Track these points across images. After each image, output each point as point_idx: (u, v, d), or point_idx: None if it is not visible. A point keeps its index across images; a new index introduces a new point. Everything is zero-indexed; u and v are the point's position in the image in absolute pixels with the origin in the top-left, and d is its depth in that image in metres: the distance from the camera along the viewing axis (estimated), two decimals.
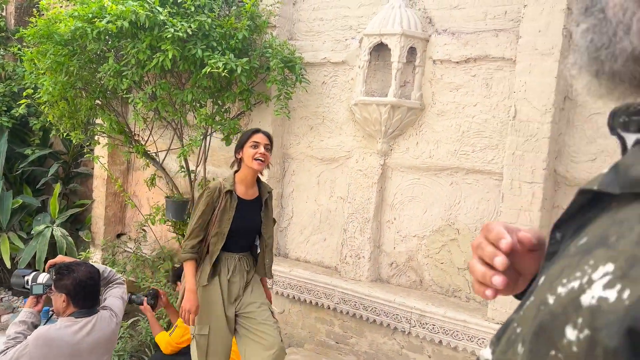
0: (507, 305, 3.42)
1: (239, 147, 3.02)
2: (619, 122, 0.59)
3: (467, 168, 3.83)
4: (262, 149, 2.93)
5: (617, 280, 0.44)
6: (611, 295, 0.44)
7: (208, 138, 4.53)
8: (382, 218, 4.24)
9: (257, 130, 3.04)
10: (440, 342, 3.65)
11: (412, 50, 3.88)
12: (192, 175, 4.80)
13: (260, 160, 2.92)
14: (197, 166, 4.73)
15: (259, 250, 3.16)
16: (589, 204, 0.57)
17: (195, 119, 4.21)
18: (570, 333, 0.46)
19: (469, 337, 3.52)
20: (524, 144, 3.37)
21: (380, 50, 4.00)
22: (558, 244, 0.61)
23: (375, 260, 4.26)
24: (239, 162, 3.04)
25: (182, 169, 4.74)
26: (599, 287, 0.45)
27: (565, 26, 3.24)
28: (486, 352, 0.66)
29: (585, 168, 3.41)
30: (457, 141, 3.85)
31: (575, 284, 0.48)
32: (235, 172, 3.07)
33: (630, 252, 0.45)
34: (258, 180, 3.14)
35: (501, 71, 3.67)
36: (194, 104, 4.18)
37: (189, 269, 2.92)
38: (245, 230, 3.06)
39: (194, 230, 2.93)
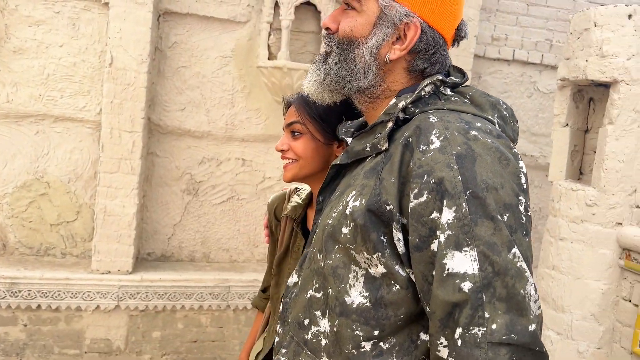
0: (111, 254, 3.44)
1: None
2: (342, 132, 1.12)
3: (55, 115, 3.49)
4: (279, 142, 1.38)
5: (357, 196, 0.88)
6: (357, 203, 0.87)
7: None
8: None
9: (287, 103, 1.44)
10: (39, 306, 3.34)
11: None
12: None
13: (285, 162, 1.37)
14: None
15: None
16: (335, 176, 1.01)
17: None
18: (344, 230, 0.88)
19: (72, 293, 3.37)
20: (122, 93, 3.35)
21: None
22: (321, 203, 1.04)
23: None
24: None
25: None
26: (351, 202, 0.88)
27: None
28: (293, 278, 1.03)
29: (176, 117, 3.70)
30: (42, 85, 3.44)
31: (340, 207, 0.91)
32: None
33: (360, 183, 0.89)
34: None
35: (89, 12, 3.45)
36: None
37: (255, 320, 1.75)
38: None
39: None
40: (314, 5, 3.64)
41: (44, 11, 3.39)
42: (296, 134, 1.32)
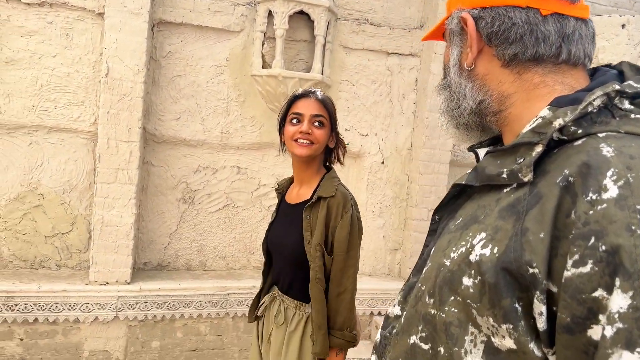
0: (109, 265, 3.42)
1: (280, 125, 1.91)
2: (478, 146, 0.92)
3: (49, 126, 3.47)
4: (306, 125, 1.78)
5: (488, 242, 0.68)
6: (486, 252, 0.67)
7: None
8: None
9: (299, 95, 1.85)
10: (36, 319, 3.30)
11: None
12: None
13: (303, 142, 1.78)
14: None
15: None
16: (458, 194, 0.84)
17: None
18: (467, 281, 0.68)
19: (70, 305, 3.34)
20: (118, 103, 3.34)
21: None
22: (437, 223, 0.87)
23: None
24: (284, 146, 1.94)
25: None
26: (479, 248, 0.68)
27: None
28: (395, 310, 0.87)
29: (171, 126, 3.71)
30: (36, 95, 3.41)
31: (463, 249, 0.71)
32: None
33: (493, 224, 0.69)
34: (324, 178, 1.87)
35: (83, 22, 3.44)
36: None
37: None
38: (278, 251, 1.91)
39: None
40: (307, 14, 3.70)
41: (37, 21, 3.37)
42: (318, 124, 1.77)
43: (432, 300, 0.75)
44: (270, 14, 3.69)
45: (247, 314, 3.66)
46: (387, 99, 4.11)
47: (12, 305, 3.25)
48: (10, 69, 3.36)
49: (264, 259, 2.00)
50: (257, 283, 3.65)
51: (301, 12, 3.69)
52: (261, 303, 1.96)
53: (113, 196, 3.39)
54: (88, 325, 3.38)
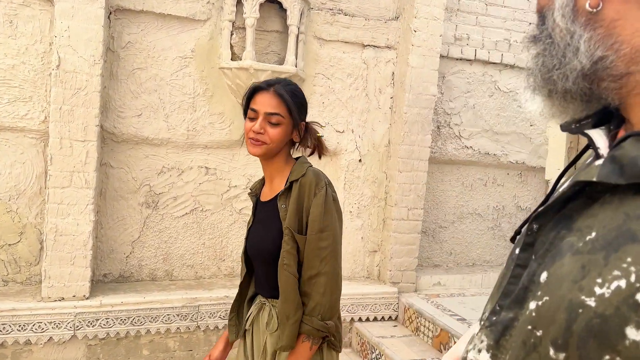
0: (64, 279, 3.08)
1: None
2: (579, 125, 0.64)
3: None
4: (258, 124, 1.60)
5: None
6: None
7: None
8: None
9: (258, 88, 1.65)
10: None
11: None
12: None
13: (254, 141, 1.62)
14: None
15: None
16: (573, 195, 0.59)
17: None
18: (634, 334, 0.46)
19: (20, 326, 2.97)
20: (72, 98, 3.00)
21: None
22: (535, 234, 0.62)
23: None
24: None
25: None
26: None
27: None
28: (482, 358, 0.62)
29: (131, 123, 3.38)
30: None
31: (621, 283, 0.48)
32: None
33: None
34: (295, 165, 1.71)
35: (29, 8, 3.08)
36: None
37: None
38: (259, 255, 1.70)
39: None
40: (278, 3, 3.46)
41: None
42: (274, 123, 1.59)
43: (562, 356, 0.51)
44: (239, 1, 3.42)
45: (219, 327, 3.39)
46: (364, 94, 3.91)
47: None
48: None
49: (241, 270, 1.80)
50: (230, 293, 3.38)
51: (272, 1, 3.44)
52: (248, 314, 1.75)
53: (68, 202, 3.04)
54: (41, 346, 3.02)
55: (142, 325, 3.22)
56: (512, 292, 0.61)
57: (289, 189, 1.60)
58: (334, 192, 1.63)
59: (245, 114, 1.65)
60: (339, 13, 3.79)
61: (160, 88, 3.41)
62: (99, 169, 3.26)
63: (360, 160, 3.94)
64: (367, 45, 3.88)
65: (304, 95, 1.68)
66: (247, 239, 1.74)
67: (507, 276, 0.64)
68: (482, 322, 0.66)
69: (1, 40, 3.05)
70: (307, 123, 1.69)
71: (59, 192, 3.03)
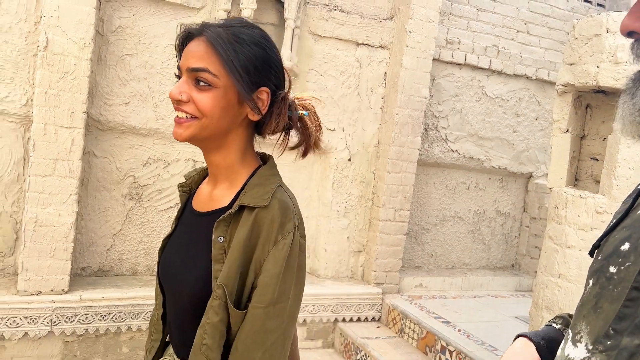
0: (43, 272, 2.93)
1: None
2: None
3: None
4: (176, 87, 0.98)
5: None
6: None
7: None
8: None
9: (187, 35, 1.01)
10: None
11: None
12: None
13: (184, 118, 0.98)
14: None
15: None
16: None
17: None
18: None
19: None
20: (59, 82, 2.85)
21: None
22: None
23: None
24: None
25: None
26: None
27: None
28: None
29: (118, 111, 3.24)
30: None
31: None
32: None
33: None
34: (255, 174, 1.05)
35: None
36: None
37: None
38: (170, 288, 1.08)
39: None
40: None
41: None
42: (202, 84, 0.96)
43: None
44: None
45: None
46: (356, 93, 3.88)
47: None
48: None
49: (156, 293, 1.16)
50: None
51: None
52: None
53: (50, 191, 2.89)
54: (15, 342, 2.86)
55: (122, 321, 3.10)
56: (629, 315, 0.60)
57: (237, 213, 0.99)
58: (303, 235, 1.03)
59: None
60: (335, 9, 3.74)
61: (150, 76, 3.29)
62: (82, 158, 3.12)
63: (349, 160, 3.91)
64: (361, 44, 3.85)
65: (269, 45, 1.01)
66: (161, 252, 1.13)
67: (613, 297, 0.62)
68: (590, 345, 0.64)
69: None
70: (284, 94, 1.03)
71: (40, 180, 2.87)
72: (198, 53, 0.97)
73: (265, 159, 1.10)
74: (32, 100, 2.93)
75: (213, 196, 1.06)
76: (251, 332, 0.94)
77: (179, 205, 1.12)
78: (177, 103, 0.96)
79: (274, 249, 0.95)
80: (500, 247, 4.84)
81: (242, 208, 0.98)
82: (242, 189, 1.02)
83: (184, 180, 1.16)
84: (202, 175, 1.16)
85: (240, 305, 0.96)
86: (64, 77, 2.85)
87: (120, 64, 3.22)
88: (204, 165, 1.14)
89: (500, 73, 4.44)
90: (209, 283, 0.97)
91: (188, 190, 1.15)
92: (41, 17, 2.84)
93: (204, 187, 1.11)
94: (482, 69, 4.38)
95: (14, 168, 3.05)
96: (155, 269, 1.14)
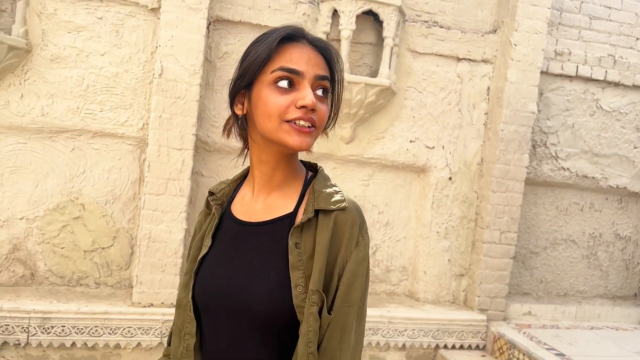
0: (155, 285, 3.09)
1: (242, 85, 1.07)
2: None
3: (94, 130, 3.17)
4: (309, 95, 0.94)
5: None
6: None
7: None
8: None
9: (289, 36, 1.02)
10: (74, 344, 2.97)
11: None
12: None
13: (305, 125, 0.95)
14: None
15: None
16: None
17: None
18: None
19: (111, 329, 3.00)
20: (171, 106, 3.03)
21: None
22: None
23: None
24: (242, 128, 1.14)
25: None
26: None
27: None
28: None
29: None
30: (81, 97, 3.12)
31: None
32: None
33: None
34: (312, 179, 1.07)
35: (134, 18, 3.16)
36: None
37: None
38: (226, 307, 0.99)
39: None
40: (374, 15, 3.38)
41: (86, 16, 3.09)
42: (323, 93, 0.98)
43: None
44: (334, 13, 3.37)
45: None
46: (456, 109, 3.75)
47: (48, 328, 2.93)
48: (55, 67, 3.08)
49: (177, 319, 1.07)
50: None
51: (368, 12, 3.36)
52: None
53: (162, 209, 3.07)
54: (129, 351, 3.04)
55: None
56: None
57: (310, 220, 0.96)
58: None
59: (250, 78, 1.00)
60: (435, 25, 3.67)
61: None
62: (192, 178, 3.28)
63: (450, 179, 3.76)
64: (462, 59, 3.73)
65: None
66: (197, 273, 1.03)
67: None
68: None
69: (107, 49, 3.14)
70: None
71: (154, 198, 3.06)
72: (318, 61, 0.98)
73: (311, 165, 1.11)
74: (147, 124, 3.15)
75: (269, 204, 1.03)
76: (338, 332, 0.93)
77: (211, 222, 1.07)
78: (308, 112, 0.94)
79: (356, 249, 0.96)
80: (621, 275, 4.40)
81: (316, 213, 0.97)
82: (302, 195, 1.02)
83: (214, 193, 1.11)
84: (233, 187, 1.14)
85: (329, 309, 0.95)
86: (176, 102, 3.03)
87: (226, 88, 3.35)
88: (224, 179, 1.17)
89: (617, 84, 4.09)
90: (286, 293, 0.93)
91: (220, 203, 1.10)
92: (157, 47, 3.05)
93: (248, 198, 1.07)
94: (596, 80, 4.05)
95: (131, 187, 3.27)
96: (182, 295, 1.06)
